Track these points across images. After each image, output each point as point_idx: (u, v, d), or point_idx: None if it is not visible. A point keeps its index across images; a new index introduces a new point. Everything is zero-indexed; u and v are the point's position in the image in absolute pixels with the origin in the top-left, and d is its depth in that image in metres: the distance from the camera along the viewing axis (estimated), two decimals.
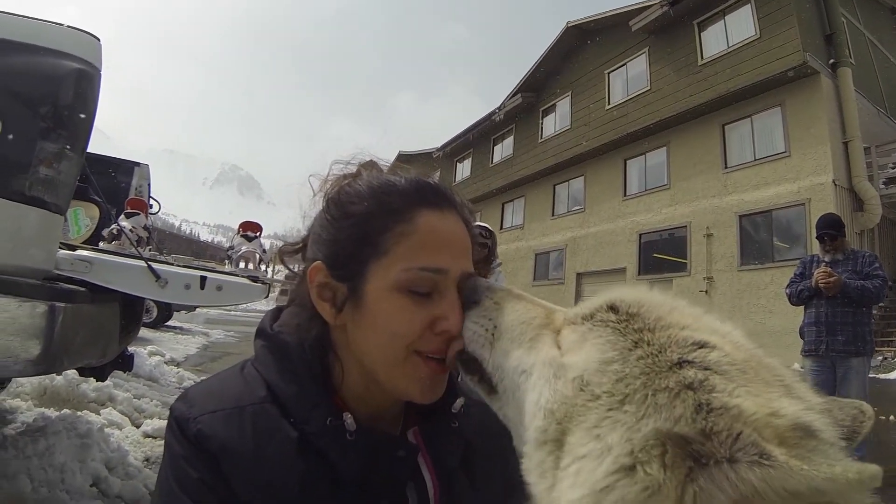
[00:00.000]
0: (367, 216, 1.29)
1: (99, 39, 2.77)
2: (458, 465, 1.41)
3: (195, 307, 17.92)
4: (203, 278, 3.83)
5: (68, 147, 2.65)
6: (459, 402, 1.42)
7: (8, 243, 2.59)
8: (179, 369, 11.69)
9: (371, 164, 1.42)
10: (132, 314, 4.42)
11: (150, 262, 3.59)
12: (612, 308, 1.03)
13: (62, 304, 2.66)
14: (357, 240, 1.29)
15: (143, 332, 14.64)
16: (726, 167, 22.86)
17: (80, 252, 3.27)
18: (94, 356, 3.34)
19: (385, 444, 1.30)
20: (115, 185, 7.10)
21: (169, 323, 19.61)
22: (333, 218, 1.34)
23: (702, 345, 0.92)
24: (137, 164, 8.40)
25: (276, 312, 1.48)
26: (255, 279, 4.42)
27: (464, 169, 40.81)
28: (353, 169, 1.41)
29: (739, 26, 22.43)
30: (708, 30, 23.84)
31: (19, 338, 2.50)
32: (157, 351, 12.42)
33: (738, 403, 0.79)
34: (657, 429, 0.82)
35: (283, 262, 1.50)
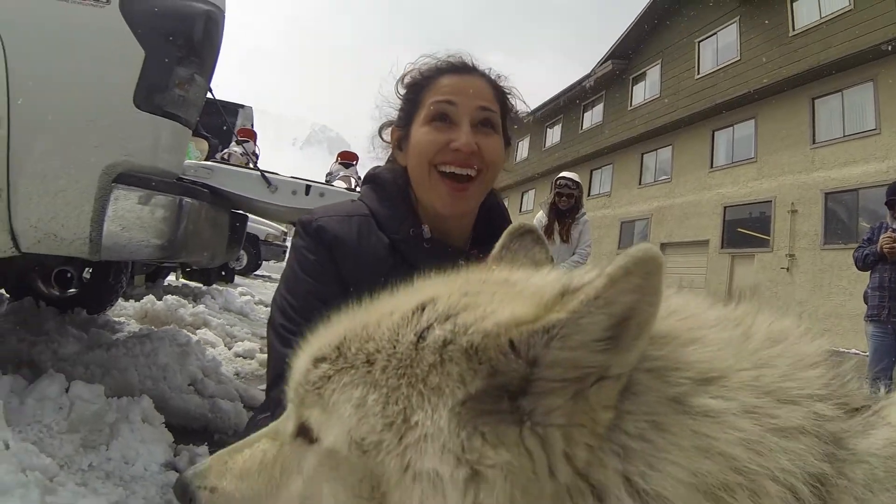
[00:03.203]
0: (414, 85, 2.05)
1: None
2: None
3: (285, 251, 18.69)
4: (308, 186, 4.48)
5: (197, 73, 3.27)
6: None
7: (149, 149, 3.21)
8: (269, 309, 11.95)
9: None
10: (236, 231, 5.06)
11: (262, 171, 4.22)
12: (320, 360, 0.95)
13: (189, 200, 3.29)
14: (408, 102, 2.06)
15: (234, 278, 15.54)
16: (814, 142, 22.22)
17: (202, 161, 3.91)
18: (206, 257, 3.95)
19: (452, 251, 1.91)
20: (222, 124, 7.74)
21: (258, 272, 20.50)
22: (399, 93, 2.13)
23: (422, 307, 0.87)
24: (242, 105, 9.11)
25: (376, 167, 2.22)
26: (352, 191, 5.03)
27: (553, 135, 40.57)
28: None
29: None
30: (800, 0, 23.02)
31: (151, 225, 3.13)
32: (247, 292, 12.96)
33: (496, 320, 0.76)
34: (451, 412, 0.76)
35: (380, 135, 2.27)
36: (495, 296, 0.84)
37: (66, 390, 3.62)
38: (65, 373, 3.82)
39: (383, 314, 0.91)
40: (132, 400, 3.81)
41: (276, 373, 1.79)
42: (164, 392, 4.71)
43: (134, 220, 3.10)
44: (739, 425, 0.71)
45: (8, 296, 6.82)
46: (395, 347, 0.84)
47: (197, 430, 4.48)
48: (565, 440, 0.72)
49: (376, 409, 0.82)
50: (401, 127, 2.09)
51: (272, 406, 1.69)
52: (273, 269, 23.10)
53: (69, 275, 6.73)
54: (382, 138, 2.26)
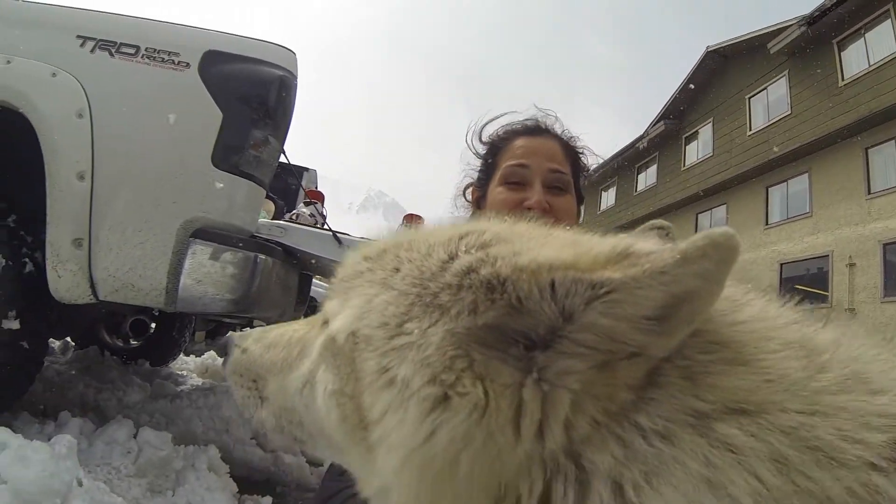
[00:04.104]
0: (491, 147, 2.24)
1: (295, 53, 3.61)
2: None
3: None
4: None
5: (271, 135, 3.44)
6: None
7: (226, 206, 3.37)
8: None
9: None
10: (303, 292, 5.21)
11: (334, 231, 4.39)
12: (367, 258, 0.96)
13: (263, 257, 3.42)
14: (486, 164, 2.24)
15: None
16: (869, 193, 21.73)
17: (276, 221, 4.06)
18: (276, 312, 4.03)
19: None
20: (287, 186, 8.05)
21: None
22: (477, 152, 2.31)
23: (465, 234, 0.84)
24: (306, 169, 9.47)
25: None
26: None
27: (608, 198, 40.19)
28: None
29: (880, 43, 21.37)
30: (848, 48, 22.84)
31: (226, 280, 3.26)
32: None
33: (534, 257, 0.69)
34: (448, 331, 0.72)
35: (463, 195, 2.43)
36: (544, 240, 0.80)
37: (135, 436, 3.74)
38: (130, 420, 3.95)
39: (434, 233, 0.90)
40: (199, 448, 3.92)
41: None
42: (228, 444, 4.82)
43: (209, 275, 3.25)
44: (761, 474, 0.59)
45: (73, 343, 7.09)
46: (423, 261, 0.82)
47: (260, 481, 4.58)
48: (572, 407, 0.66)
49: (380, 307, 0.81)
50: (479, 187, 2.27)
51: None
52: None
53: (145, 324, 6.96)
54: (466, 198, 2.41)
